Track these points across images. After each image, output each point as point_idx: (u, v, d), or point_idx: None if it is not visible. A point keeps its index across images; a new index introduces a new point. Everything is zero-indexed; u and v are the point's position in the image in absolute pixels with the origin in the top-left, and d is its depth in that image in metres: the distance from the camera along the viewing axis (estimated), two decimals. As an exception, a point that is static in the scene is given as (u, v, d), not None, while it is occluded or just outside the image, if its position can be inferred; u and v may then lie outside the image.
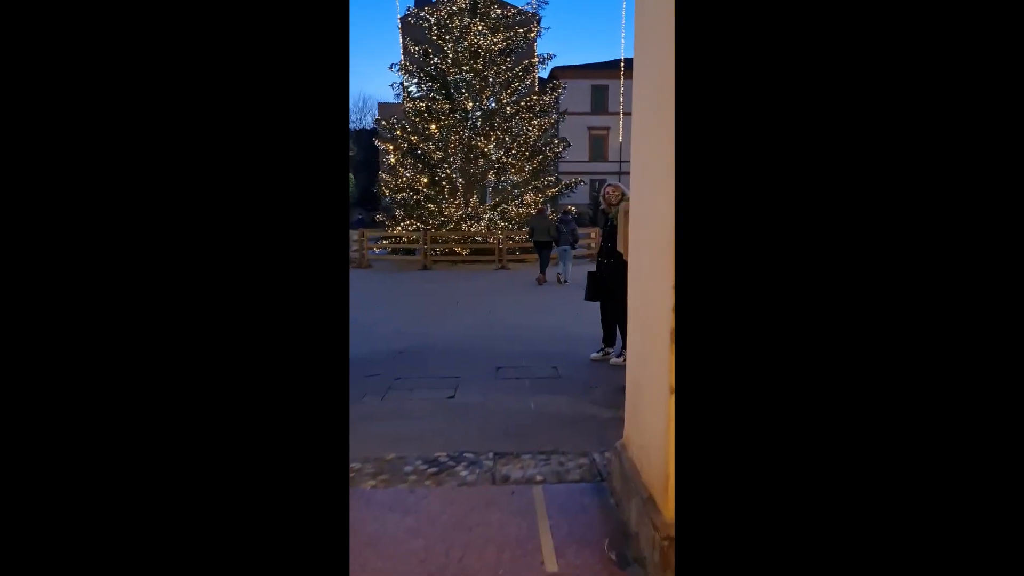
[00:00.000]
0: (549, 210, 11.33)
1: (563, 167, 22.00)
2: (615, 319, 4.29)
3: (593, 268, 4.57)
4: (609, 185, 4.25)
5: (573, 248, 9.61)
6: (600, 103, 33.30)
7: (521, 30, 13.96)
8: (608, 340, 4.45)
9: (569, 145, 14.92)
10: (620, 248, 3.45)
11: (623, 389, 2.42)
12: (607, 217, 4.26)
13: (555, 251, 9.80)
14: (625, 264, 4.10)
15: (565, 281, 9.32)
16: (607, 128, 33.33)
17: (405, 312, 7.01)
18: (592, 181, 30.03)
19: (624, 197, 4.14)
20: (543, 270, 9.59)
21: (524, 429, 3.00)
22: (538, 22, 14.76)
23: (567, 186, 14.52)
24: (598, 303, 4.44)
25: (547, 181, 14.45)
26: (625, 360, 3.93)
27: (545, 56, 14.72)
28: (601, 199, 4.32)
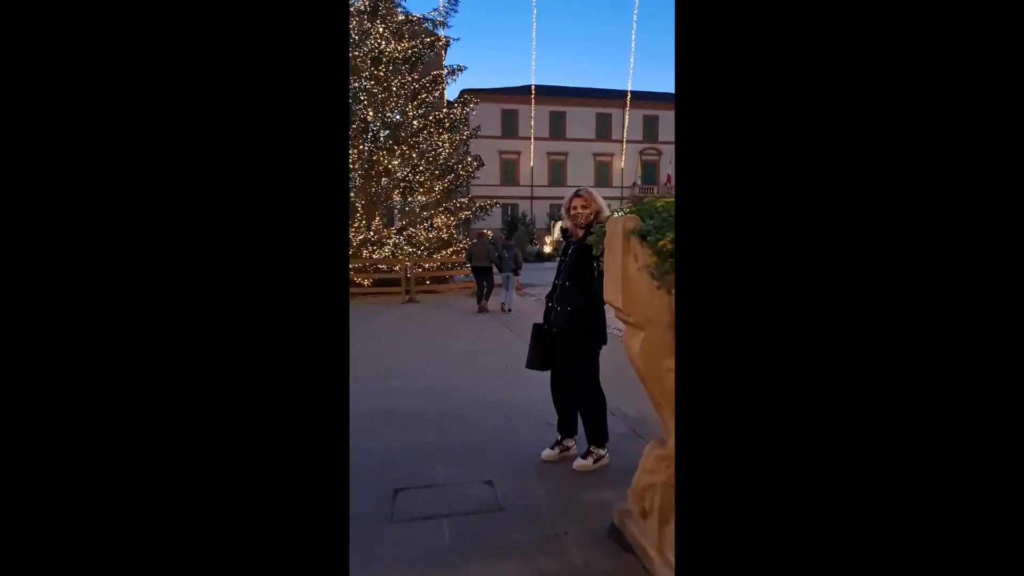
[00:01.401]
0: (491, 235, 10.32)
1: (474, 190, 20.96)
2: (578, 399, 2.83)
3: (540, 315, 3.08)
4: (578, 196, 2.77)
5: (516, 275, 9.13)
6: (511, 127, 32.97)
7: (428, 39, 12.57)
8: (566, 429, 2.95)
9: (483, 164, 13.66)
10: (608, 296, 1.98)
11: (615, 535, 1.58)
12: (571, 244, 2.82)
13: (498, 277, 9.34)
14: (595, 314, 2.68)
15: (509, 310, 8.80)
16: (518, 152, 32.96)
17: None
18: (504, 206, 29.37)
19: (602, 214, 2.73)
20: (482, 298, 9.03)
21: None
22: (445, 42, 13.49)
23: (481, 208, 13.20)
24: (549, 372, 2.95)
25: (459, 203, 13.05)
26: (597, 461, 2.68)
27: (456, 67, 13.42)
28: (564, 215, 2.88)
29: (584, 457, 2.79)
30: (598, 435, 2.79)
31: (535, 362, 2.89)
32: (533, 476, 2.72)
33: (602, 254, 2.10)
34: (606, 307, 2.42)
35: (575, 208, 2.74)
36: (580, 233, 2.75)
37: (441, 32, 13.57)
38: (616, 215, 2.10)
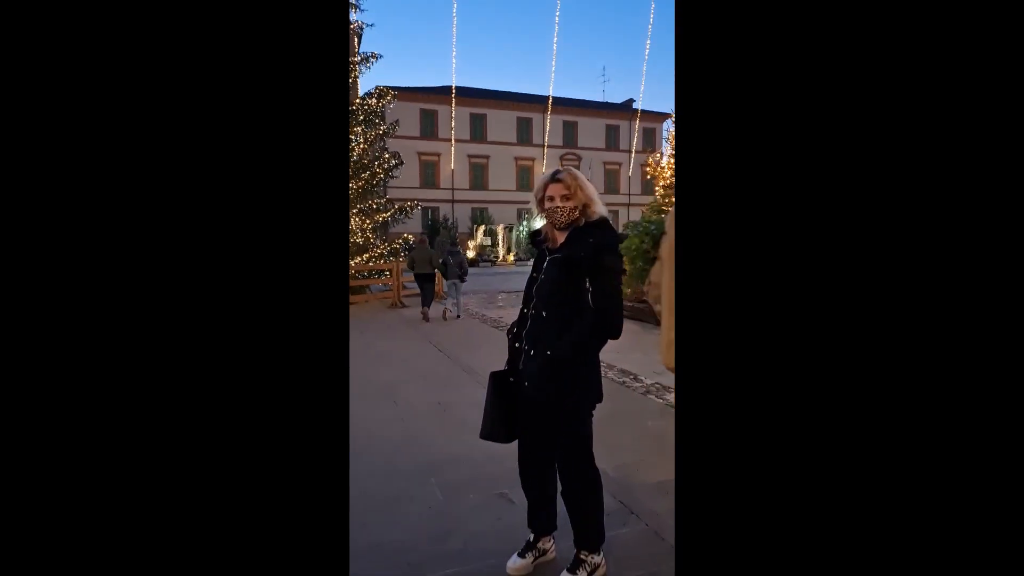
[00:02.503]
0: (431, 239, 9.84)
1: (392, 192, 19.63)
2: (563, 483, 1.88)
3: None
4: (557, 180, 1.79)
5: (463, 281, 8.74)
6: (430, 128, 31.76)
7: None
8: (540, 523, 1.97)
9: (402, 163, 12.49)
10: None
11: None
12: (546, 254, 1.86)
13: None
14: (588, 361, 1.76)
15: (458, 316, 8.57)
16: (438, 154, 31.79)
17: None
18: (425, 208, 28.12)
19: (592, 209, 1.83)
20: (425, 304, 8.69)
21: None
22: (358, 26, 12.23)
23: (400, 210, 12.04)
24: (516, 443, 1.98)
25: (376, 204, 11.80)
26: (592, 574, 1.86)
27: (370, 55, 12.18)
28: (534, 209, 1.90)
29: (574, 571, 1.86)
30: (591, 534, 1.87)
31: (496, 431, 1.91)
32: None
33: (648, 262, 1.22)
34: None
35: (552, 199, 1.80)
36: (560, 238, 1.83)
37: (354, 16, 12.34)
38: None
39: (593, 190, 1.83)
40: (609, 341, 1.73)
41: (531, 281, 1.89)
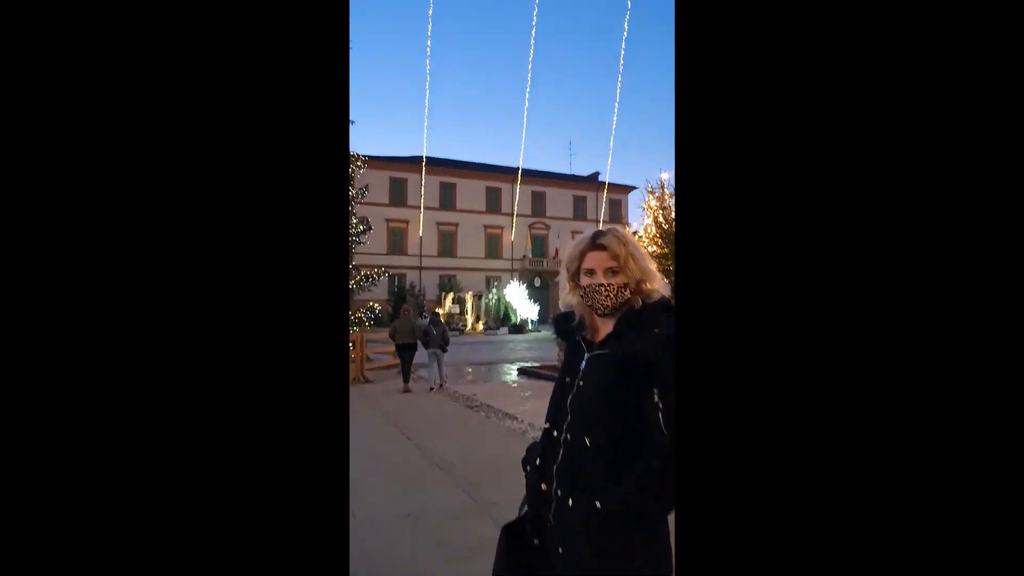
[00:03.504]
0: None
1: (359, 258, 19.08)
2: None
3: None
4: (599, 246, 1.23)
5: (444, 351, 8.89)
6: (399, 195, 31.83)
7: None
8: None
9: (370, 228, 12.02)
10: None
11: None
12: (583, 348, 1.27)
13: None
14: (655, 513, 1.15)
15: (443, 386, 8.53)
16: (406, 221, 31.65)
17: None
18: (392, 275, 27.53)
19: (650, 285, 1.28)
20: (406, 378, 8.75)
21: None
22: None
23: (367, 277, 11.43)
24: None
25: (341, 270, 11.15)
26: None
27: (340, 120, 11.92)
28: (565, 280, 1.32)
29: None
30: None
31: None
32: None
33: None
34: None
35: (592, 274, 1.25)
36: (605, 327, 1.27)
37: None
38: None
39: (649, 259, 1.29)
40: None
41: (561, 388, 1.29)
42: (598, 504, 1.12)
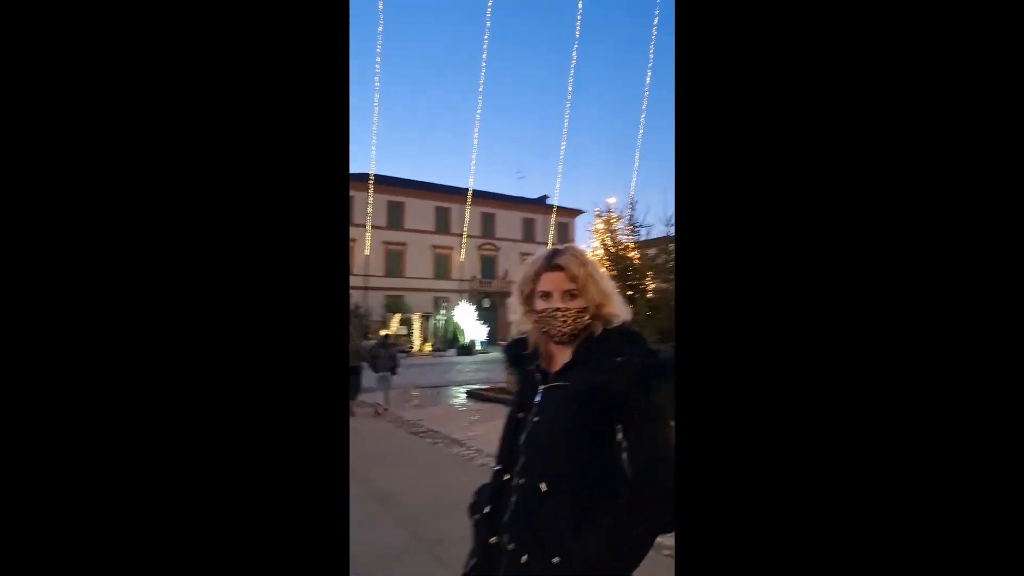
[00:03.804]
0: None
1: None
2: None
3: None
4: (556, 266, 1.11)
5: (394, 374, 8.71)
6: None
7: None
8: None
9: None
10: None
11: None
12: (538, 378, 1.12)
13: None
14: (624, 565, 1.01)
15: (386, 410, 8.19)
16: (352, 239, 30.95)
17: None
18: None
19: (610, 309, 1.15)
20: (352, 398, 8.11)
21: None
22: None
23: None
24: None
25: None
26: None
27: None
28: (516, 304, 1.17)
29: None
30: None
31: None
32: None
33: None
34: None
35: (547, 297, 1.11)
36: (562, 356, 1.13)
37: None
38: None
39: (609, 280, 1.18)
40: None
41: (513, 425, 1.14)
42: (555, 561, 0.97)
